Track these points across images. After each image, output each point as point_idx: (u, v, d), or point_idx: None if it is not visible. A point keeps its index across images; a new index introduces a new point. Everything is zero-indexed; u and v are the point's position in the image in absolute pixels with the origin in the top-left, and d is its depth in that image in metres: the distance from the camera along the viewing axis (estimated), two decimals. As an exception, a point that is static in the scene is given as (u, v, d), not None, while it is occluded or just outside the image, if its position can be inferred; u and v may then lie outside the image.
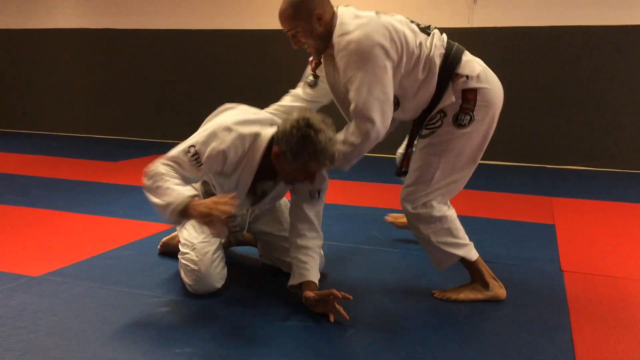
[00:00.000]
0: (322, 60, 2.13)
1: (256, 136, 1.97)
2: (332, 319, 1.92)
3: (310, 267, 2.05)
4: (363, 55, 1.87)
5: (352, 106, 1.93)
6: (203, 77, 6.49)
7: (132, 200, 3.62)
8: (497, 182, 4.48)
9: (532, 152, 5.49)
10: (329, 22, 1.96)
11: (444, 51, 2.00)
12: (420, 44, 1.96)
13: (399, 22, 1.96)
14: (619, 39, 5.11)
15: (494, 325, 1.94)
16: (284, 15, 1.98)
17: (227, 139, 1.92)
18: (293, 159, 1.88)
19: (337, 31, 1.93)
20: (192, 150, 1.90)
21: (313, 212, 2.12)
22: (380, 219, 2.96)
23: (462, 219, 3.29)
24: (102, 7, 6.79)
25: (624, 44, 5.11)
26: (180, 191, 1.83)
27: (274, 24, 2.23)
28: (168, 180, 1.85)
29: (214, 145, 1.90)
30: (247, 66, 6.29)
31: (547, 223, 3.26)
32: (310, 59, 2.20)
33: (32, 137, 6.78)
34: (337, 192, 3.39)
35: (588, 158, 5.34)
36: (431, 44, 1.97)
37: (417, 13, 5.59)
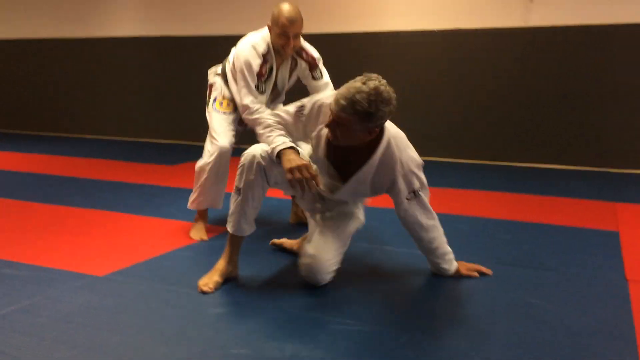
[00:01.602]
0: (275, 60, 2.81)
1: None
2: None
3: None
4: None
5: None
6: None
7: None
8: (557, 187, 4.34)
9: (594, 154, 5.27)
10: None
11: None
12: None
13: None
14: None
15: (553, 336, 1.88)
16: (299, 22, 2.68)
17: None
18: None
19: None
20: (299, 103, 2.20)
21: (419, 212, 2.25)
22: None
23: (518, 224, 3.24)
24: (157, 15, 7.02)
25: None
26: (282, 140, 2.13)
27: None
28: (274, 131, 2.18)
29: (315, 99, 2.18)
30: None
31: (610, 230, 3.13)
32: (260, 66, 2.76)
33: (95, 142, 7.06)
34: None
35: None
36: None
37: (469, 14, 5.48)
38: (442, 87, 5.52)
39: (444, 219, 2.84)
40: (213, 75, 3.09)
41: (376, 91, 1.92)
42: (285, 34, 2.68)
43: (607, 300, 2.16)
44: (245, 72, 2.75)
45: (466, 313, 2.05)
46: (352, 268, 2.47)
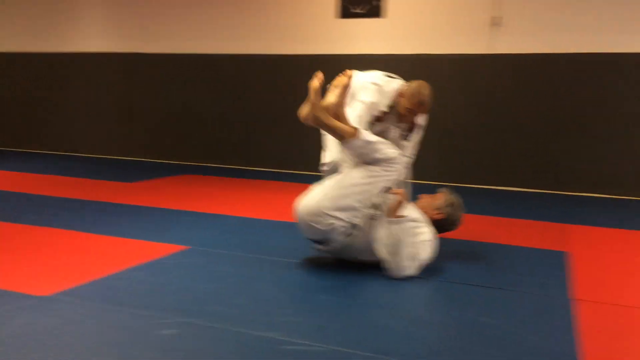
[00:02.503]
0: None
1: None
2: None
3: None
4: None
5: None
6: (223, 101, 6.58)
7: (146, 221, 3.66)
8: (511, 209, 4.44)
9: (546, 178, 5.43)
10: None
11: None
12: None
13: None
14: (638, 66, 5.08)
15: (500, 353, 1.91)
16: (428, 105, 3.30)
17: None
18: None
19: None
20: None
21: None
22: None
23: (475, 244, 3.30)
24: (126, 31, 6.96)
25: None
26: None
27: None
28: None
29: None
30: (269, 91, 6.37)
31: (560, 250, 3.22)
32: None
33: (54, 158, 6.91)
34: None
35: (603, 185, 5.26)
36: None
37: (439, 39, 5.63)
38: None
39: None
40: None
41: None
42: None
43: (553, 319, 2.21)
44: None
45: (416, 330, 2.07)
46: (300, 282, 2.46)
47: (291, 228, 3.59)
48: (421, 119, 3.47)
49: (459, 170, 5.59)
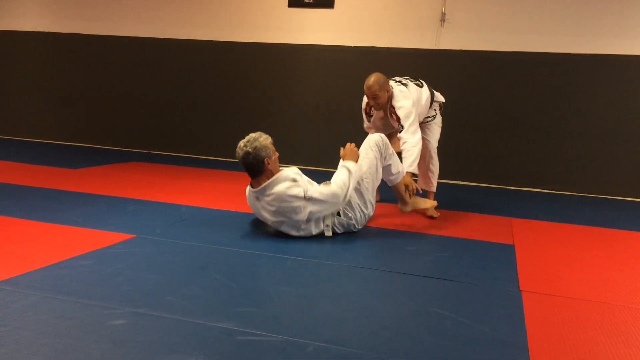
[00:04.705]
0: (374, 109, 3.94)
1: None
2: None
3: None
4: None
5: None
6: (169, 87, 6.43)
7: (92, 208, 3.53)
8: (459, 202, 4.55)
9: (493, 173, 5.60)
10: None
11: (429, 92, 3.94)
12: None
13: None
14: (579, 66, 5.29)
15: (451, 343, 1.95)
16: (369, 89, 3.70)
17: None
18: None
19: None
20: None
21: None
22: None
23: (424, 237, 3.36)
24: (67, 11, 6.68)
25: (583, 71, 5.29)
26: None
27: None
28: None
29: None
30: (217, 78, 6.26)
31: (506, 243, 3.32)
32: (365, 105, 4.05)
33: (-11, 141, 6.57)
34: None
35: (547, 181, 5.47)
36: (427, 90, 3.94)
37: (390, 34, 5.69)
38: (352, 99, 5.66)
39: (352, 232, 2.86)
40: None
41: None
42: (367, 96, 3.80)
43: (502, 310, 2.27)
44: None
45: (369, 321, 2.08)
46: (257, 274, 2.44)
47: (241, 217, 3.55)
48: (396, 102, 3.75)
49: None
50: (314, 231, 3.17)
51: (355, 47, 5.78)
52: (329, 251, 2.97)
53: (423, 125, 4.00)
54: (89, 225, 3.14)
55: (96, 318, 1.97)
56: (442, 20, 5.54)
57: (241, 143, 3.11)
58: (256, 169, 3.08)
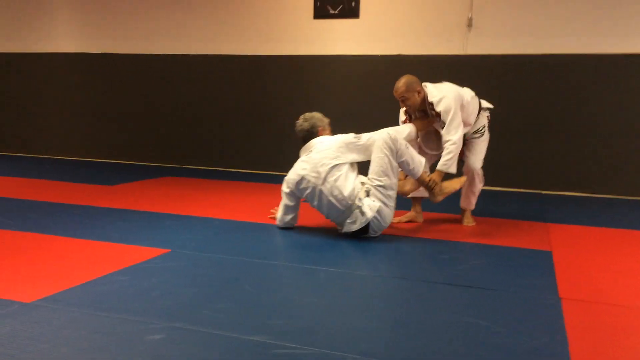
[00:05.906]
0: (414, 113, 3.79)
1: None
2: None
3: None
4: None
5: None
6: (200, 102, 6.53)
7: (128, 224, 3.60)
8: (494, 208, 4.48)
9: (528, 178, 5.50)
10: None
11: (473, 92, 3.75)
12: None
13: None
14: (611, 67, 5.17)
15: (487, 353, 1.91)
16: (397, 90, 3.64)
17: None
18: None
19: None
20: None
21: None
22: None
23: (458, 245, 3.32)
24: (100, 31, 6.86)
25: (617, 71, 5.16)
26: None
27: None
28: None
29: None
30: (245, 91, 6.33)
31: (544, 250, 3.25)
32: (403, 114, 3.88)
33: (29, 161, 6.77)
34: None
35: (583, 184, 5.34)
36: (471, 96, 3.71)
37: (416, 41, 5.67)
38: (380, 109, 5.66)
39: (384, 238, 2.86)
40: None
41: None
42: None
43: (541, 318, 2.22)
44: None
45: (403, 333, 2.06)
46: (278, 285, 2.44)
47: (273, 230, 3.57)
48: (433, 98, 3.63)
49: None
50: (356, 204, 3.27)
51: (382, 56, 5.77)
52: (361, 261, 2.96)
53: (468, 141, 3.75)
54: (126, 240, 3.20)
55: (135, 333, 2.00)
56: (469, 25, 5.49)
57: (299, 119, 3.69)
58: (309, 136, 3.63)
